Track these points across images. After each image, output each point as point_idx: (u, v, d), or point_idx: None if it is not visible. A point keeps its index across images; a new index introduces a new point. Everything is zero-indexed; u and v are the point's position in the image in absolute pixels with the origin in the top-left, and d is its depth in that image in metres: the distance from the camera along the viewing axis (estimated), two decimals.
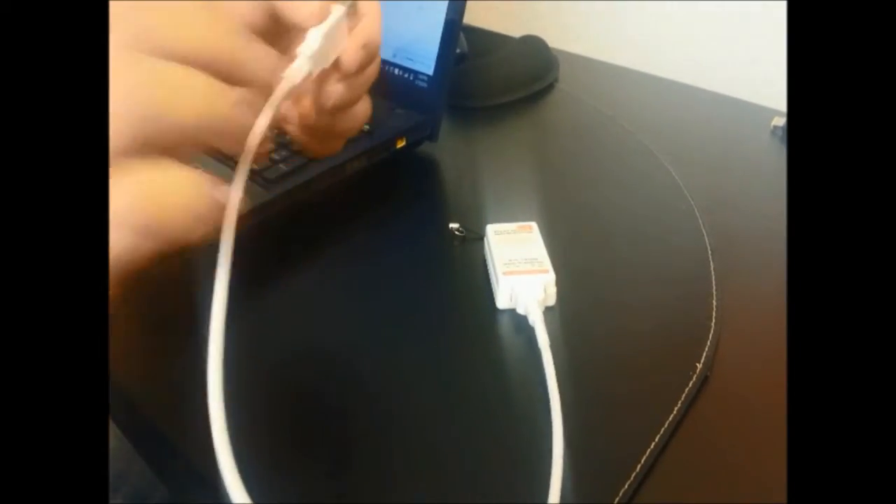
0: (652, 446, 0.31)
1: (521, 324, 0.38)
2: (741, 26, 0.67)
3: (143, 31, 0.21)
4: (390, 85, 0.39)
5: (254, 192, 0.47)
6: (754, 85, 0.65)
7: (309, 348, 0.37)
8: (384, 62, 0.57)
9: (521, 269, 0.39)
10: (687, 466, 0.31)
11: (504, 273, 0.39)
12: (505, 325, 0.38)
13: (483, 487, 0.30)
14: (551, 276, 0.39)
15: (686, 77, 0.67)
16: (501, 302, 0.39)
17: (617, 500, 0.29)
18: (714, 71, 0.69)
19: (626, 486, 0.30)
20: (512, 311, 0.39)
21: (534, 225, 0.42)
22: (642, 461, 0.31)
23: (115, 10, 0.22)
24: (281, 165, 0.49)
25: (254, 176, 0.49)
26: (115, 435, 0.55)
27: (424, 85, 0.54)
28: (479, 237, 0.43)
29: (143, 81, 0.21)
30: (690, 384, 0.34)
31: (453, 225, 0.43)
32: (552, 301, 0.39)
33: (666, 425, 0.32)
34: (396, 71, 0.56)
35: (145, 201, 0.21)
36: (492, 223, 0.42)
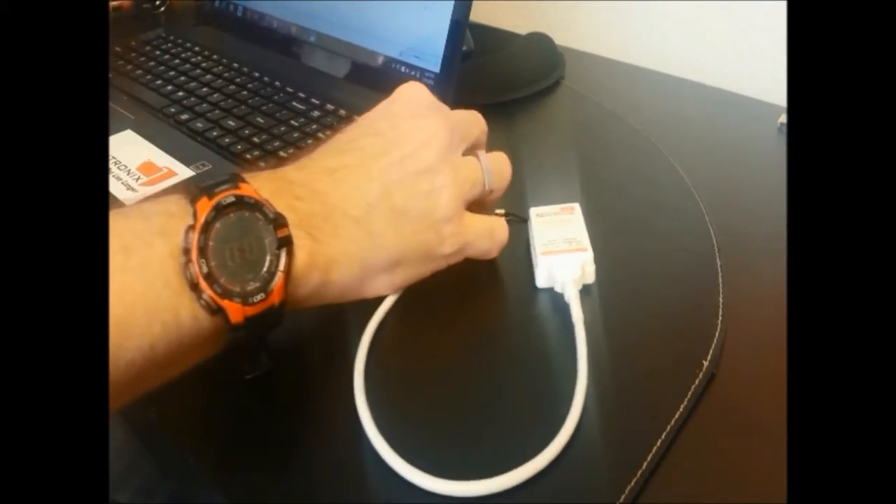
0: (658, 444, 0.32)
1: (558, 302, 0.40)
2: (748, 23, 0.67)
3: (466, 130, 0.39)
4: (396, 83, 0.39)
5: None
6: (761, 82, 0.65)
7: (305, 351, 0.37)
8: (389, 59, 0.57)
9: (558, 249, 0.40)
10: (693, 464, 0.31)
11: (542, 253, 0.40)
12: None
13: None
14: (589, 255, 0.40)
15: (692, 74, 0.67)
16: (541, 281, 0.40)
17: (623, 498, 0.30)
18: (721, 68, 0.69)
19: (633, 484, 0.30)
20: (551, 291, 0.40)
21: (576, 206, 0.44)
22: (648, 459, 0.31)
23: (453, 118, 0.38)
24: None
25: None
26: (124, 429, 0.56)
27: (431, 83, 0.54)
28: (523, 220, 0.44)
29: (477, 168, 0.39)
30: (697, 382, 0.34)
31: (499, 210, 0.44)
32: (591, 279, 0.41)
33: (672, 423, 0.32)
34: (403, 69, 0.56)
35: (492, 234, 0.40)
36: (533, 206, 0.44)
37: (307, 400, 0.35)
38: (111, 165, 0.50)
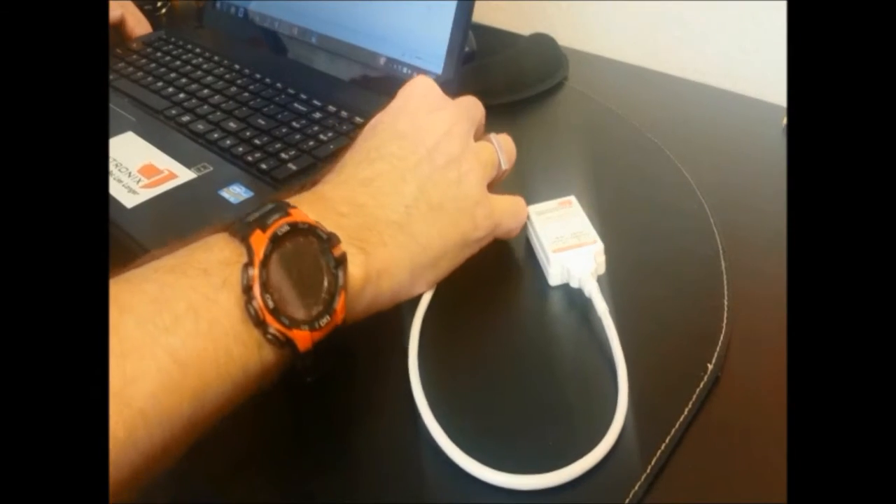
0: (663, 447, 0.31)
1: (574, 297, 0.40)
2: (752, 23, 0.66)
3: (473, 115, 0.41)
4: (399, 84, 0.39)
5: (263, 192, 0.47)
6: (766, 83, 0.64)
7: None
8: (392, 61, 0.57)
9: (569, 244, 0.40)
10: (698, 467, 0.31)
11: (554, 251, 0.39)
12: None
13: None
14: (599, 246, 0.40)
15: (696, 75, 0.67)
16: (554, 279, 0.40)
17: (628, 500, 0.29)
18: (725, 69, 0.69)
19: (637, 487, 0.30)
20: (565, 287, 0.40)
21: (573, 198, 0.43)
22: (653, 462, 0.31)
23: (462, 105, 0.40)
24: (290, 165, 0.49)
25: (263, 175, 0.49)
26: None
27: None
28: None
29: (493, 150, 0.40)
30: (702, 384, 0.34)
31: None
32: (602, 270, 0.40)
33: (677, 426, 0.32)
34: (405, 70, 0.56)
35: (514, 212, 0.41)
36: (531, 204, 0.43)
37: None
38: (112, 167, 0.50)
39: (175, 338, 0.26)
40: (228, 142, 0.53)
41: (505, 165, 0.41)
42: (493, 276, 0.42)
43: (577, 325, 0.38)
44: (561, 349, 0.37)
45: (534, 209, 0.43)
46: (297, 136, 0.53)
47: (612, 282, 0.41)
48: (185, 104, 0.59)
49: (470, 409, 0.34)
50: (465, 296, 0.40)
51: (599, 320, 0.37)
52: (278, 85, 0.61)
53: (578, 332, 0.38)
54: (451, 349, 0.38)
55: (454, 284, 0.38)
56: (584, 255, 0.39)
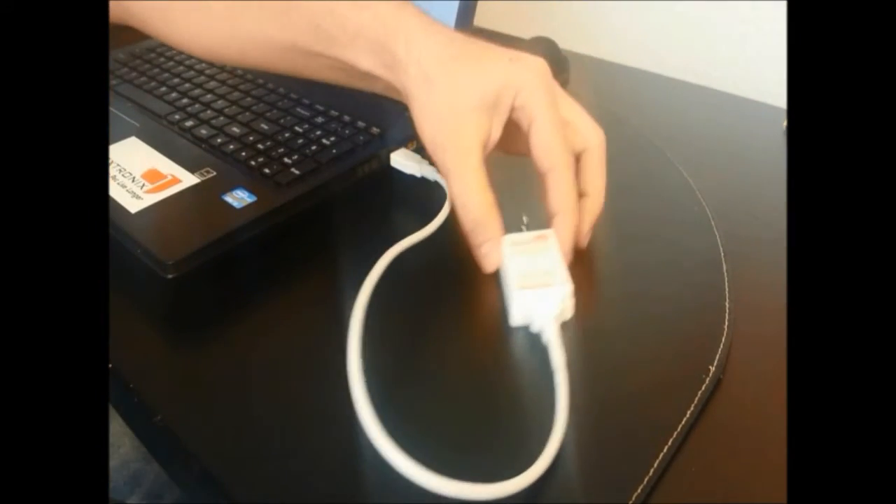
0: (665, 450, 0.31)
1: (536, 343, 0.36)
2: (752, 26, 0.66)
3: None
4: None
5: (266, 196, 0.47)
6: (766, 85, 0.64)
7: (308, 357, 0.37)
8: None
9: (536, 283, 0.36)
10: (700, 469, 0.31)
11: (518, 287, 0.36)
12: (519, 345, 0.37)
13: None
14: (568, 288, 0.36)
15: (697, 78, 0.67)
16: (515, 319, 0.37)
17: (630, 502, 0.29)
18: (726, 71, 0.69)
19: (640, 490, 0.30)
20: (526, 330, 0.37)
21: (550, 233, 0.40)
22: (655, 464, 0.31)
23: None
24: (293, 169, 0.49)
25: (266, 180, 0.49)
26: (130, 438, 0.56)
27: None
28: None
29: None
30: (703, 387, 0.34)
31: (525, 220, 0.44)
32: (569, 315, 0.38)
33: (679, 428, 0.32)
34: None
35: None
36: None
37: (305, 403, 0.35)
38: (115, 173, 0.50)
39: None
40: (232, 146, 0.53)
41: None
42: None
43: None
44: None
45: (509, 239, 0.40)
46: (300, 141, 0.53)
47: (614, 284, 0.41)
48: (189, 109, 0.59)
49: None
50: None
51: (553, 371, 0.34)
52: (281, 90, 0.61)
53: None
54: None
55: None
56: (550, 296, 0.36)
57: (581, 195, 0.41)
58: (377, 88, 0.44)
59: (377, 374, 0.34)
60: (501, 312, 0.39)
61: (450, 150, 0.39)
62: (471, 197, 0.39)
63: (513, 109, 0.39)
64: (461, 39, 0.40)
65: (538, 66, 0.40)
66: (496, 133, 0.39)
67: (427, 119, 0.39)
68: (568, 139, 0.40)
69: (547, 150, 0.39)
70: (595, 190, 0.42)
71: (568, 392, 0.33)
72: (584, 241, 0.42)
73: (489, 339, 0.38)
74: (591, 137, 0.41)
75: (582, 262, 0.42)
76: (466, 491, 0.29)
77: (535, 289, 0.36)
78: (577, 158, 0.41)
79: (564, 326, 0.37)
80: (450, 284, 0.42)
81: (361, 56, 0.41)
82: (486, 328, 0.39)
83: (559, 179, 0.39)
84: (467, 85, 0.38)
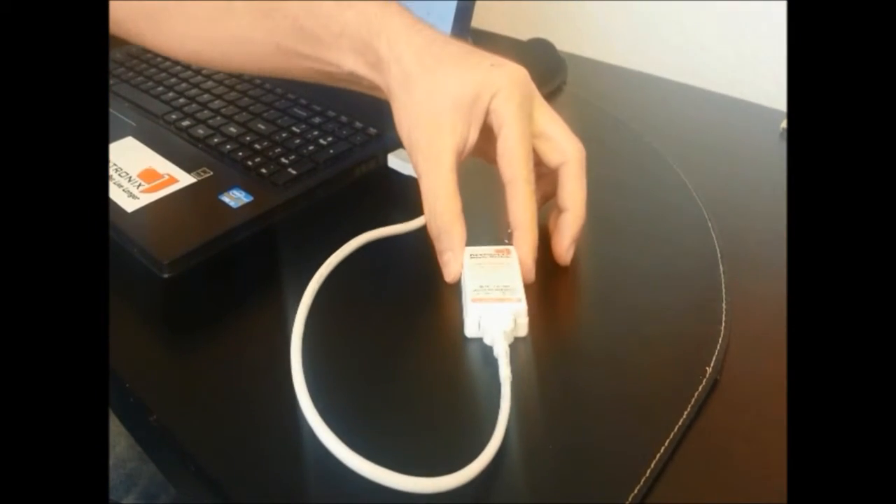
0: (662, 450, 0.31)
1: (489, 355, 0.36)
2: (750, 28, 0.67)
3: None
4: None
5: (263, 196, 0.47)
6: (764, 87, 0.65)
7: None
8: None
9: (491, 297, 0.37)
10: (697, 470, 0.31)
11: (473, 300, 0.37)
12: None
13: None
14: (522, 307, 0.36)
15: (695, 79, 0.67)
16: (470, 330, 0.37)
17: (628, 502, 0.29)
18: (723, 73, 0.69)
19: (637, 490, 0.30)
20: (480, 341, 0.37)
21: (512, 249, 0.39)
22: (652, 465, 0.31)
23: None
24: (290, 170, 0.49)
25: (263, 180, 0.49)
26: (125, 438, 0.56)
27: None
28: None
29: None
30: (700, 388, 0.34)
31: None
32: (523, 332, 0.37)
33: (676, 429, 0.32)
34: None
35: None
36: (472, 243, 0.40)
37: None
38: (112, 172, 0.50)
39: None
40: (228, 146, 0.53)
41: None
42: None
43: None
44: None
45: (469, 251, 0.40)
46: (297, 141, 0.53)
47: (611, 284, 0.41)
48: (186, 109, 0.59)
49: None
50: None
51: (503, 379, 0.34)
52: (278, 90, 0.61)
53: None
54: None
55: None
56: (504, 312, 0.36)
57: (561, 210, 0.41)
58: (362, 88, 0.44)
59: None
60: (461, 321, 0.38)
61: (423, 151, 0.38)
62: (437, 202, 0.38)
63: (487, 113, 0.39)
64: (444, 40, 0.40)
65: (518, 73, 0.39)
66: (473, 137, 0.39)
67: (405, 118, 0.39)
68: (544, 152, 0.40)
69: (509, 159, 0.38)
70: (575, 204, 0.41)
71: (509, 407, 0.32)
72: (567, 257, 0.41)
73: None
74: (570, 151, 0.41)
75: (581, 263, 0.42)
76: (409, 484, 0.29)
77: (489, 303, 0.36)
78: (556, 172, 0.41)
79: (563, 326, 0.37)
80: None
81: (345, 55, 0.41)
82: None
83: (516, 192, 0.38)
84: (446, 85, 0.38)
